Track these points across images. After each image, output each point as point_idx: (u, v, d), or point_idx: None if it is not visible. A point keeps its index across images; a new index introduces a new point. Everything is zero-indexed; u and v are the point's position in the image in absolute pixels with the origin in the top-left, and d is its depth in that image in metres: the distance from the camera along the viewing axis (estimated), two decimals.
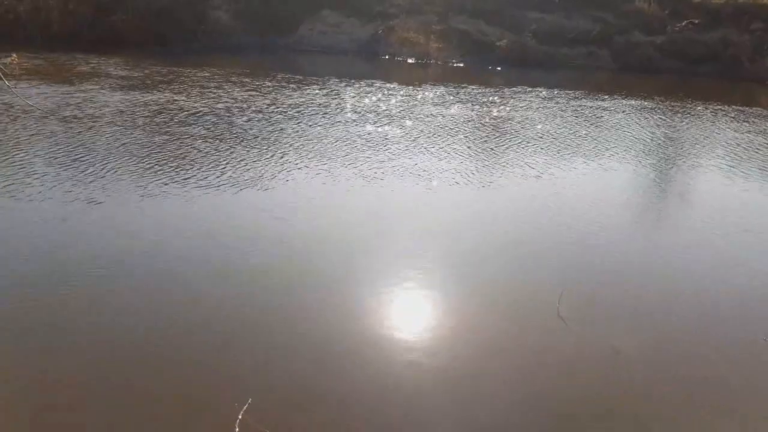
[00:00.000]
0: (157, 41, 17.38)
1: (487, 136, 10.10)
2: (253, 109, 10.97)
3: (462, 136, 9.90)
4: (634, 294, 5.31)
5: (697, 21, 19.29)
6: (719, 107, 13.61)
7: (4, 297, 4.66)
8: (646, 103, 13.72)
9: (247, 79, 13.66)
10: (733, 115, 12.86)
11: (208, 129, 9.40)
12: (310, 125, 9.98)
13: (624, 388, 4.09)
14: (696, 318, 4.99)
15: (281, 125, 9.89)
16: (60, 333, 4.25)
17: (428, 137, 9.65)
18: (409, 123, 10.50)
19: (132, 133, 8.95)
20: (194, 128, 9.40)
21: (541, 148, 9.50)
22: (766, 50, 18.24)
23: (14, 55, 13.67)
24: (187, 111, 10.48)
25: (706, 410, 3.96)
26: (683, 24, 19.29)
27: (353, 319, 4.67)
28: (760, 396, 4.12)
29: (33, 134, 8.65)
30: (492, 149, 9.34)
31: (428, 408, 3.80)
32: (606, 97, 14.11)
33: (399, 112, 11.28)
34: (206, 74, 13.94)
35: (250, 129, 9.58)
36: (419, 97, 12.90)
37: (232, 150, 8.43)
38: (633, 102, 13.72)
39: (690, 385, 4.17)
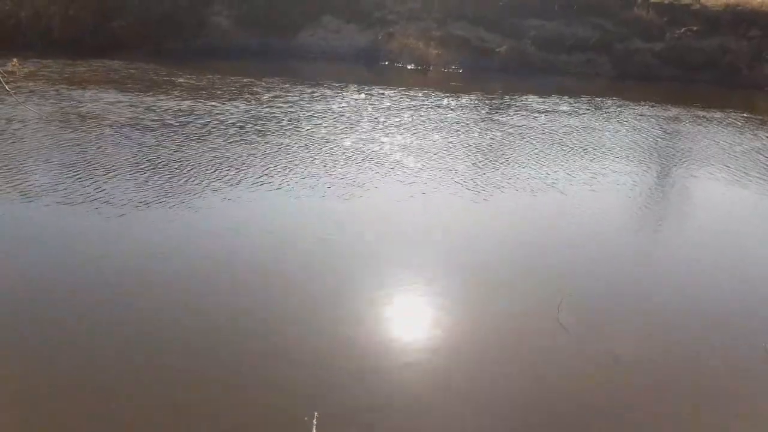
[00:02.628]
0: (158, 47, 17.39)
1: (484, 149, 10.13)
2: (308, 113, 11.21)
3: (465, 151, 9.93)
4: (634, 301, 5.31)
5: (695, 28, 19.33)
6: (720, 114, 13.62)
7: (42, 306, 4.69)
8: (647, 109, 13.75)
9: (283, 85, 13.75)
10: (734, 122, 12.88)
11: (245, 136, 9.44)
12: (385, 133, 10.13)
13: (623, 395, 4.10)
14: (697, 325, 4.99)
15: (346, 131, 10.11)
16: (120, 351, 4.22)
17: (448, 149, 9.71)
18: (461, 130, 10.62)
19: (168, 139, 9.00)
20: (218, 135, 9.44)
21: (544, 159, 9.52)
22: (765, 57, 18.28)
23: (15, 60, 13.64)
24: (220, 115, 10.56)
25: (706, 418, 3.96)
26: (682, 31, 19.33)
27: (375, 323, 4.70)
28: (761, 404, 4.12)
29: (27, 140, 8.67)
30: (491, 160, 9.37)
31: (429, 412, 3.81)
32: (610, 103, 14.13)
33: (439, 121, 11.38)
34: (212, 79, 13.96)
35: (315, 134, 9.83)
36: (451, 105, 12.92)
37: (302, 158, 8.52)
38: (635, 108, 13.74)
39: (690, 392, 4.18)
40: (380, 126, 10.61)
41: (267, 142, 9.21)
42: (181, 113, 10.67)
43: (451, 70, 18.12)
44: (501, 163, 8.97)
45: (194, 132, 9.53)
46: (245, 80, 14.03)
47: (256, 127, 10.05)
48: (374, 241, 6.19)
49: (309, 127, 10.22)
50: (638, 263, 6.12)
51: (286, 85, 13.75)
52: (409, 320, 4.95)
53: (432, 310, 5.04)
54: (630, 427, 3.82)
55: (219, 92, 12.63)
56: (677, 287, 5.62)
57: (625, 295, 5.42)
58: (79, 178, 7.29)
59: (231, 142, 9.10)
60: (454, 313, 4.99)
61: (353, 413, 3.75)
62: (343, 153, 8.88)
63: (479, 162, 8.98)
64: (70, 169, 7.57)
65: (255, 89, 13.20)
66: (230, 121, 10.31)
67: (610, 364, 4.39)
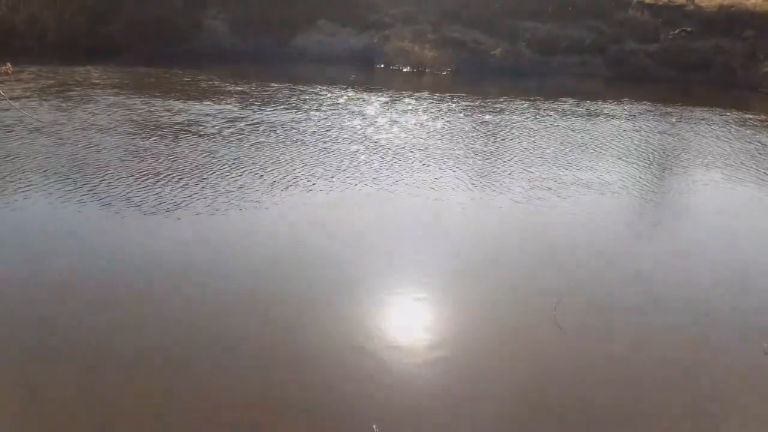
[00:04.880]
0: (157, 51, 17.35)
1: (482, 148, 10.14)
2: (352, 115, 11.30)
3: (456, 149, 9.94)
4: (631, 302, 5.30)
5: (690, 29, 19.39)
6: (751, 115, 13.52)
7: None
8: (643, 109, 13.76)
9: (312, 90, 13.80)
10: (729, 122, 12.88)
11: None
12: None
13: (621, 395, 4.09)
14: (694, 326, 4.98)
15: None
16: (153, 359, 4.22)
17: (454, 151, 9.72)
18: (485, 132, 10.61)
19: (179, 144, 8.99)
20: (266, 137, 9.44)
21: (536, 160, 9.53)
22: (759, 58, 18.33)
23: (9, 64, 13.59)
24: (246, 120, 10.60)
25: (705, 419, 3.95)
26: (676, 32, 19.39)
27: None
28: (761, 405, 4.11)
29: (21, 146, 8.65)
30: (489, 159, 9.38)
31: (428, 412, 3.80)
32: (604, 103, 14.14)
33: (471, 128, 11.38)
34: (236, 83, 13.95)
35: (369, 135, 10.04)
36: (460, 107, 12.95)
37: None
38: (630, 109, 13.76)
39: (688, 393, 4.17)
40: (415, 129, 10.68)
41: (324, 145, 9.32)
42: (228, 118, 10.75)
43: (447, 72, 18.15)
44: (514, 164, 8.98)
45: (242, 136, 9.60)
46: (275, 85, 14.07)
47: (307, 131, 10.21)
48: (396, 239, 6.23)
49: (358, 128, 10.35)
50: (635, 263, 6.11)
51: (316, 90, 13.78)
52: (403, 322, 4.95)
53: (431, 310, 5.04)
54: (626, 428, 3.82)
55: (252, 99, 12.66)
56: (675, 288, 5.60)
57: (621, 296, 5.41)
58: (126, 177, 7.40)
59: (281, 145, 9.24)
60: (451, 313, 4.99)
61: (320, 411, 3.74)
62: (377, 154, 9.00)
63: (493, 163, 8.99)
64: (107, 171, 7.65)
65: (285, 92, 13.33)
66: (278, 124, 10.48)
67: (607, 364, 4.39)
